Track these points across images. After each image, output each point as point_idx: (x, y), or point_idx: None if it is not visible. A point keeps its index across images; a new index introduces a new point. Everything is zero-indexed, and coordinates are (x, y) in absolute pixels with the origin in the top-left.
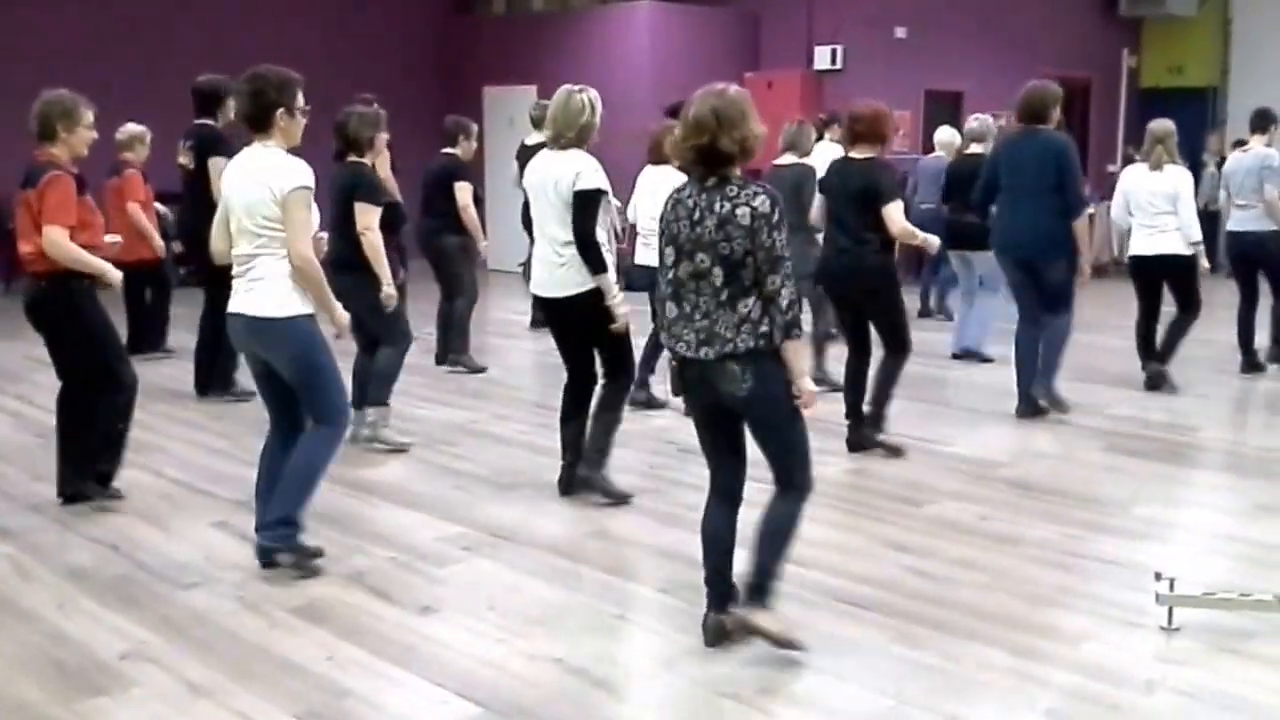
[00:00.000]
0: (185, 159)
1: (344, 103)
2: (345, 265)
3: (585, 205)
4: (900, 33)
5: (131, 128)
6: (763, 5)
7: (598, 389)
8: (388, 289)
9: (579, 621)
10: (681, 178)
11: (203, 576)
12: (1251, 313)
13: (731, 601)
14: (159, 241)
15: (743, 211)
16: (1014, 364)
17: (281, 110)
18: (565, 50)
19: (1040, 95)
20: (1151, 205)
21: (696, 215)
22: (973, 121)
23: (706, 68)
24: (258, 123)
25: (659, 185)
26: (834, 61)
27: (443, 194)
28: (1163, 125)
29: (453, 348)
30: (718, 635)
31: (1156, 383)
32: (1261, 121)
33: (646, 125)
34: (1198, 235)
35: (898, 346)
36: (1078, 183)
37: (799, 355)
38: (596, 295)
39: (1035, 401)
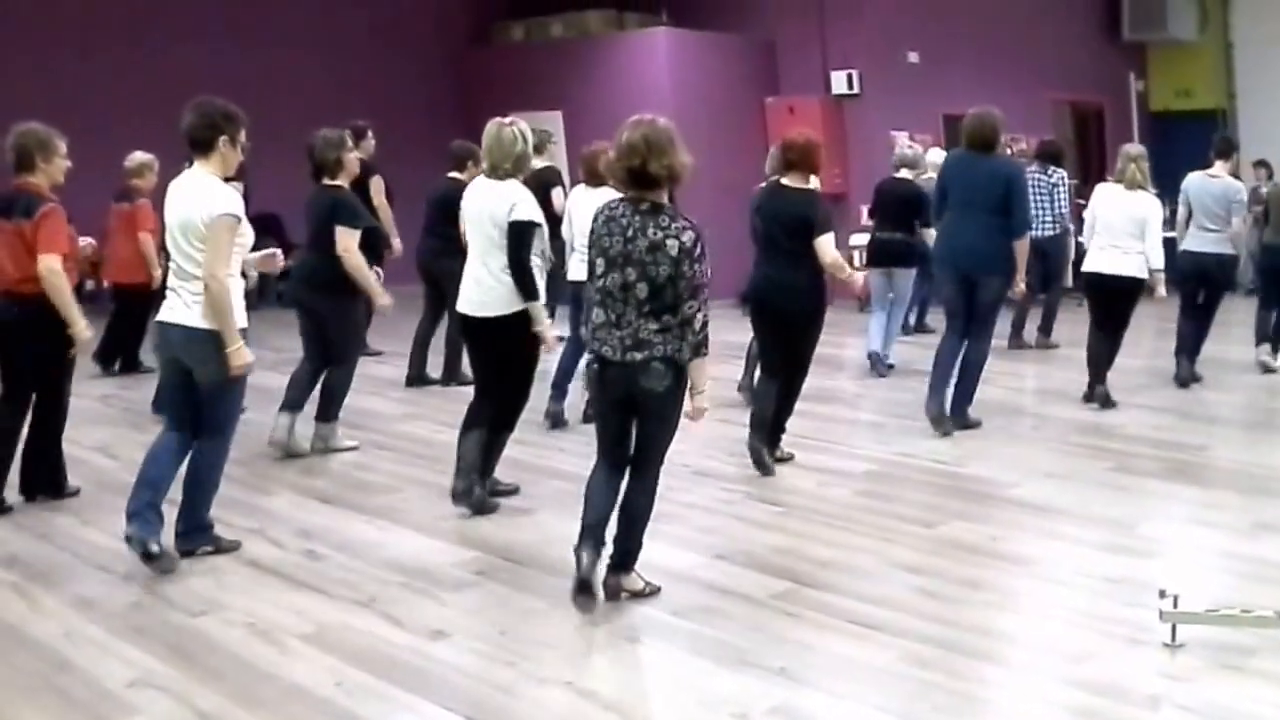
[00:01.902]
0: None
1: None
2: (323, 285)
3: (520, 235)
4: (913, 57)
5: (140, 156)
6: (777, 31)
7: (494, 408)
8: (382, 300)
9: (590, 645)
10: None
11: (211, 604)
12: (1192, 324)
13: (602, 546)
14: (156, 272)
15: (671, 243)
16: (930, 370)
17: (224, 139)
18: (584, 76)
19: (990, 124)
20: (1120, 226)
21: (630, 234)
22: (905, 149)
23: (726, 93)
24: (201, 145)
25: (594, 207)
26: (851, 86)
27: (444, 217)
28: (1136, 147)
29: (450, 369)
30: (588, 574)
31: (1104, 401)
32: (1225, 148)
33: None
34: (1161, 262)
35: (799, 370)
36: (1025, 206)
37: (703, 372)
38: (525, 318)
39: (943, 406)
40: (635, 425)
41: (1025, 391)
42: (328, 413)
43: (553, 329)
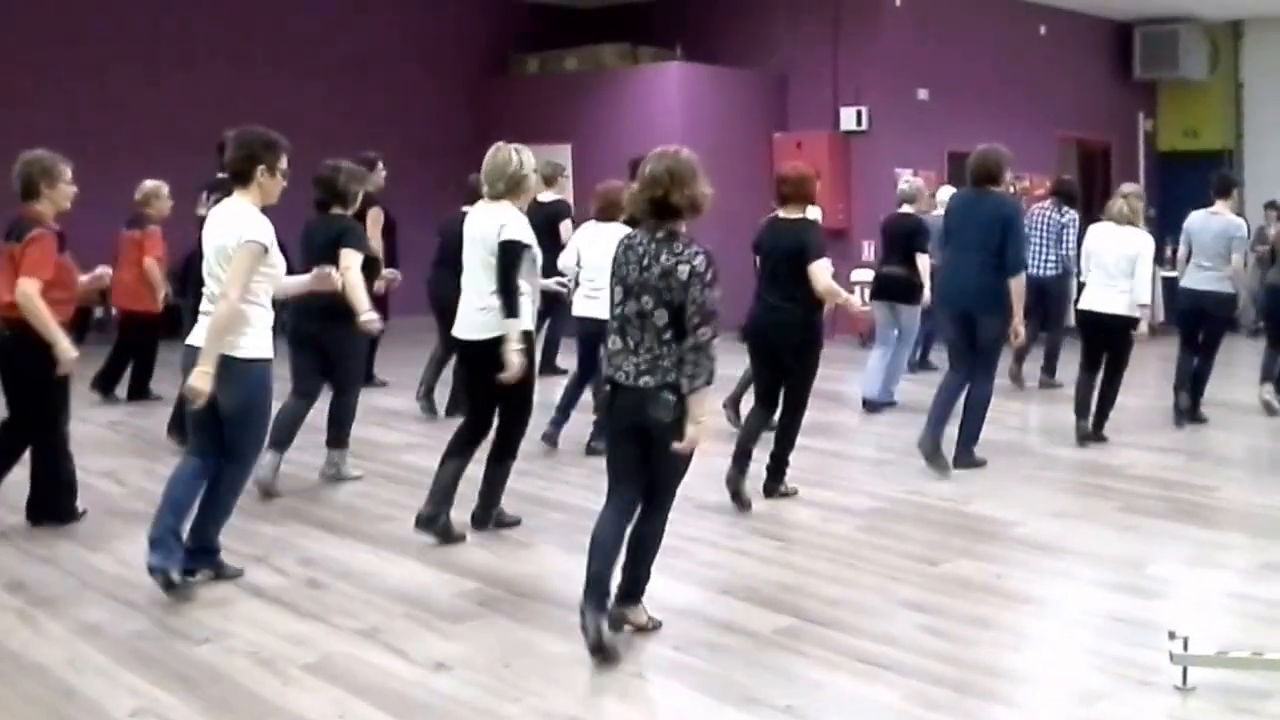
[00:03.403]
0: (205, 210)
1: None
2: (329, 313)
3: (507, 254)
4: (922, 94)
5: (149, 184)
6: (790, 67)
7: (494, 437)
8: (367, 315)
9: (594, 680)
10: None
11: (215, 632)
12: (1191, 361)
13: (607, 600)
14: (161, 293)
15: (683, 268)
16: (931, 405)
17: (263, 168)
18: (597, 110)
19: (994, 159)
20: (1113, 264)
21: (645, 261)
22: (903, 184)
23: (736, 128)
24: (240, 176)
25: (606, 242)
26: (859, 123)
27: (458, 249)
28: (1130, 185)
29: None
30: (597, 637)
31: (1086, 439)
32: (1224, 186)
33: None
34: (1147, 298)
35: (798, 405)
36: (1019, 246)
37: (703, 403)
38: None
39: (939, 444)
40: (651, 458)
41: (1029, 430)
42: (340, 439)
43: (519, 355)
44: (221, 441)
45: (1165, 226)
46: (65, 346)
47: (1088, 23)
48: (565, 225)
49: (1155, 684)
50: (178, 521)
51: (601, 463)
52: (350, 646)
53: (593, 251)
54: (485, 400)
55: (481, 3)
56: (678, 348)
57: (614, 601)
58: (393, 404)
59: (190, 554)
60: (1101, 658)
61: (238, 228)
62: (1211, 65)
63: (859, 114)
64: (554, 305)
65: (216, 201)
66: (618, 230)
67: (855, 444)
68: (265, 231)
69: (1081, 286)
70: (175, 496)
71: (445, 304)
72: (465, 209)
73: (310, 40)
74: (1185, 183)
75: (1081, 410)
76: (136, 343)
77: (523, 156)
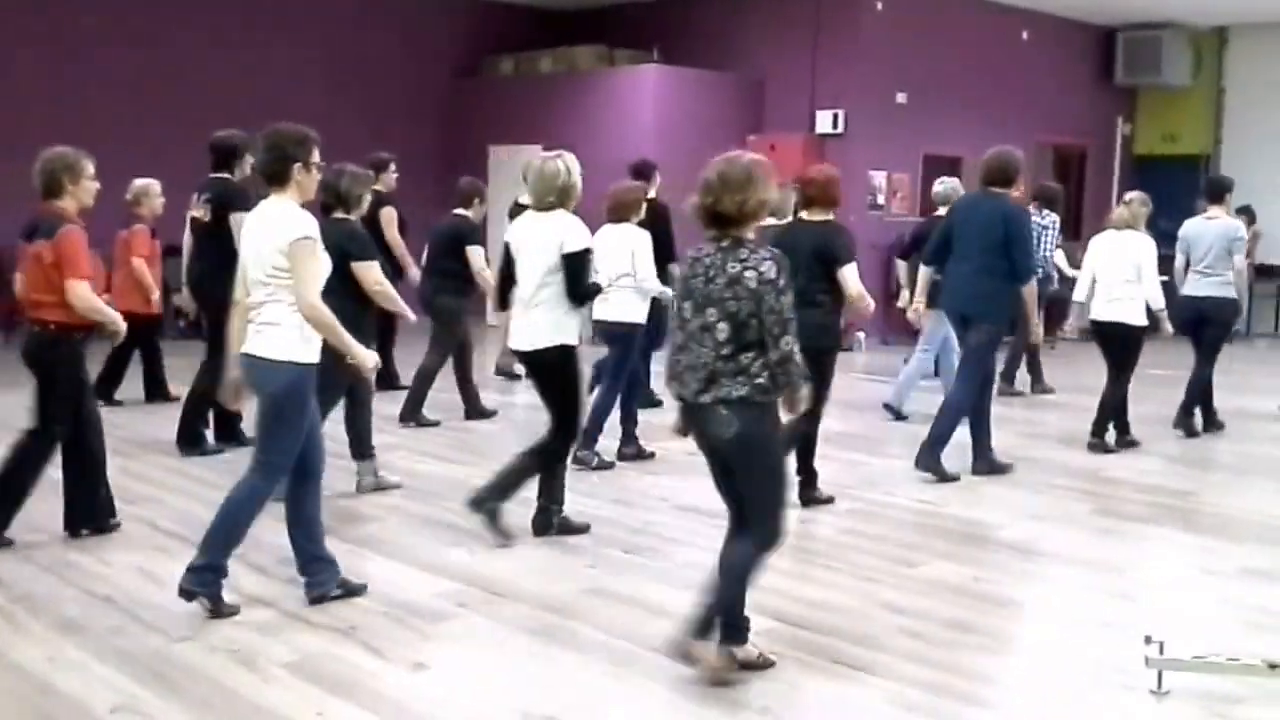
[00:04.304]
0: (199, 211)
1: (358, 161)
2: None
3: (575, 264)
4: (901, 98)
5: (138, 182)
6: (768, 70)
7: (544, 438)
8: (409, 315)
9: (572, 679)
10: (639, 233)
11: (195, 630)
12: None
13: (741, 633)
14: (155, 297)
15: (750, 275)
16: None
17: (298, 165)
18: (571, 111)
19: (1005, 161)
20: (1117, 272)
21: (710, 273)
22: (939, 185)
23: (710, 130)
24: (275, 177)
25: (618, 243)
26: (835, 125)
27: (449, 254)
28: (1137, 193)
29: (468, 404)
30: (685, 654)
31: (1098, 450)
32: (1218, 190)
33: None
34: (1161, 302)
35: (818, 408)
36: (1026, 250)
37: (801, 392)
38: (562, 352)
39: (992, 459)
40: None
41: (1010, 434)
42: (364, 450)
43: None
44: (311, 451)
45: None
46: (118, 318)
47: (1070, 28)
48: None
49: (1132, 687)
50: (314, 547)
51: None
52: (329, 645)
53: (604, 255)
54: (562, 403)
55: (457, 4)
56: (740, 360)
57: (686, 629)
58: (376, 406)
59: (194, 570)
60: (1079, 661)
61: (283, 229)
62: (1194, 71)
63: (835, 117)
64: None
65: (208, 202)
66: (630, 231)
67: (836, 446)
68: (312, 226)
69: (1057, 292)
70: (297, 526)
71: (437, 310)
72: (459, 211)
73: (283, 40)
74: (1161, 187)
75: (1117, 420)
76: (133, 345)
77: (570, 165)
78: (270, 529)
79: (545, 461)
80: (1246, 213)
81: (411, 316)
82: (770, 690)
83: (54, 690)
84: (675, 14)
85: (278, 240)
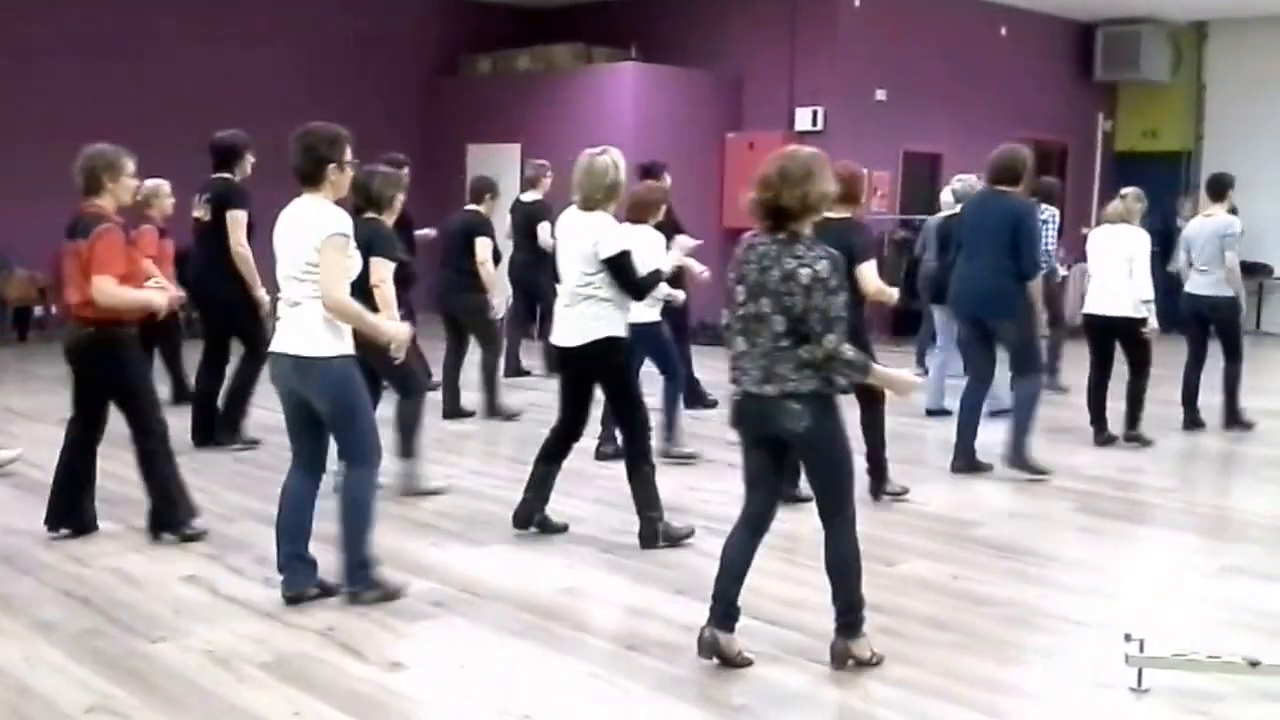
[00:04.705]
0: (200, 212)
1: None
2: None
3: (615, 268)
4: (880, 95)
5: (149, 183)
6: (747, 68)
7: (623, 448)
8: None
9: (549, 679)
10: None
11: (171, 630)
12: (1197, 372)
13: (732, 621)
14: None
15: (805, 272)
16: (956, 418)
17: (332, 165)
18: (548, 110)
19: (1011, 158)
20: (1110, 264)
21: (765, 264)
22: (956, 183)
23: (688, 128)
24: (310, 177)
25: (639, 243)
26: (814, 123)
27: (463, 251)
28: (1132, 188)
29: (449, 402)
30: (711, 650)
31: (1106, 443)
32: (1218, 187)
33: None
34: (1149, 294)
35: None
36: (1034, 247)
37: (880, 374)
38: (605, 346)
39: (973, 457)
40: (803, 471)
41: (991, 432)
42: (409, 447)
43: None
44: (320, 450)
45: None
46: (152, 296)
47: (1050, 24)
48: (544, 227)
49: (1110, 685)
50: (296, 545)
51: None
52: (306, 646)
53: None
54: (582, 404)
55: (435, 3)
56: (799, 354)
57: (835, 634)
58: None
59: (347, 574)
60: (1058, 659)
61: (318, 225)
62: (1174, 67)
63: (814, 114)
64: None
65: (208, 201)
66: (648, 233)
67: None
68: (346, 223)
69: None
70: (289, 525)
71: (451, 310)
72: (471, 208)
73: (262, 38)
74: (1142, 183)
75: (1096, 414)
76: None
77: (618, 161)
78: (249, 530)
79: (633, 467)
80: (1232, 209)
81: (395, 332)
82: (747, 687)
83: (30, 690)
84: (653, 12)
85: (312, 238)
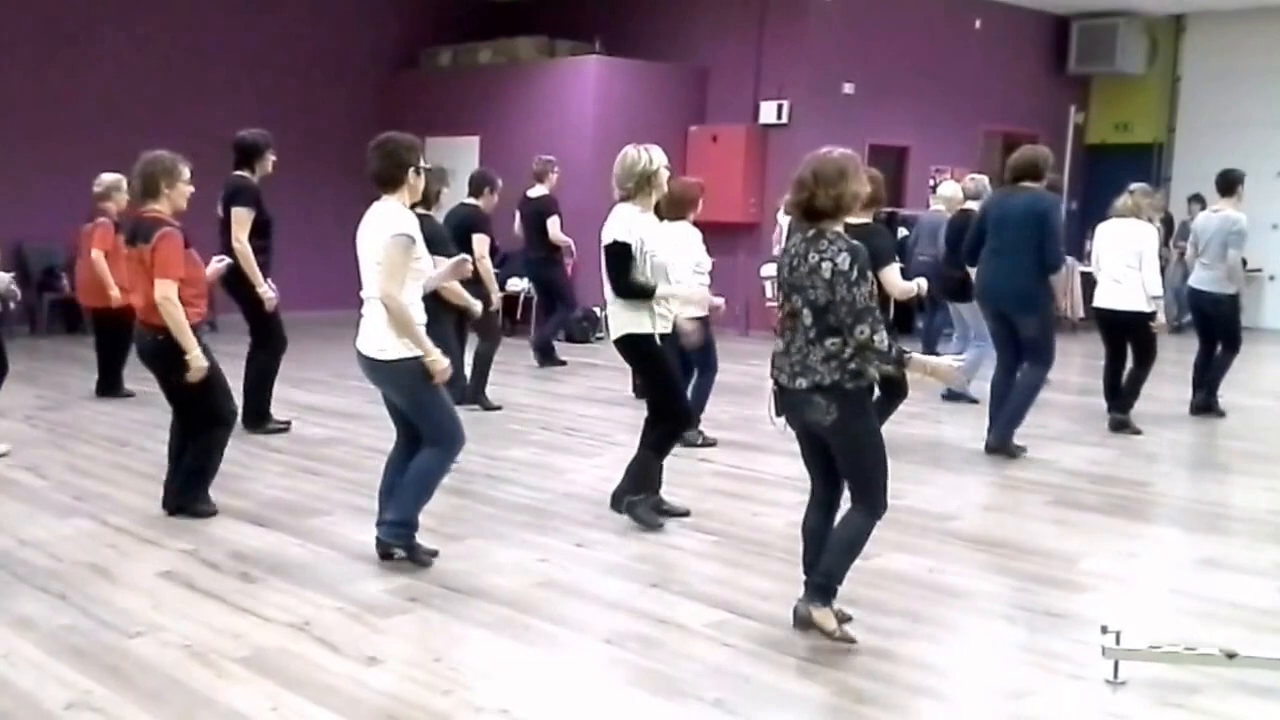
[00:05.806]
0: (220, 209)
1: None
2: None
3: (607, 256)
4: (848, 88)
5: (107, 177)
6: (711, 61)
7: (644, 429)
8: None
9: (526, 673)
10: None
11: (149, 625)
12: (1208, 360)
13: (829, 595)
14: (113, 291)
15: (826, 265)
16: (989, 405)
17: (411, 170)
18: (512, 103)
19: (1034, 155)
20: (1118, 258)
21: (794, 262)
22: (969, 181)
23: (650, 121)
24: (390, 181)
25: (680, 243)
26: (780, 116)
27: (462, 244)
28: (1140, 184)
29: (475, 389)
30: (805, 624)
31: (1118, 427)
32: (1227, 184)
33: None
34: (1158, 290)
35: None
36: (1056, 242)
37: (922, 365)
38: (634, 340)
39: (1003, 441)
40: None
41: (965, 425)
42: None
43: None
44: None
45: (1086, 219)
46: (196, 354)
47: (1024, 16)
48: (553, 221)
49: (1087, 678)
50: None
51: (535, 455)
52: (283, 640)
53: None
54: (651, 391)
55: None
56: (826, 346)
57: (803, 593)
58: (312, 399)
59: (387, 525)
60: (1033, 652)
61: (387, 226)
62: (1150, 59)
63: (779, 108)
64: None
65: (222, 199)
66: (685, 230)
67: (784, 439)
68: (411, 224)
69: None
70: (388, 486)
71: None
72: (468, 200)
73: (219, 28)
74: (1111, 176)
75: (1111, 399)
76: (104, 337)
77: (652, 154)
78: (224, 525)
79: (657, 448)
80: (1198, 201)
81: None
82: (723, 682)
83: (9, 687)
84: (617, 4)
85: (381, 237)
